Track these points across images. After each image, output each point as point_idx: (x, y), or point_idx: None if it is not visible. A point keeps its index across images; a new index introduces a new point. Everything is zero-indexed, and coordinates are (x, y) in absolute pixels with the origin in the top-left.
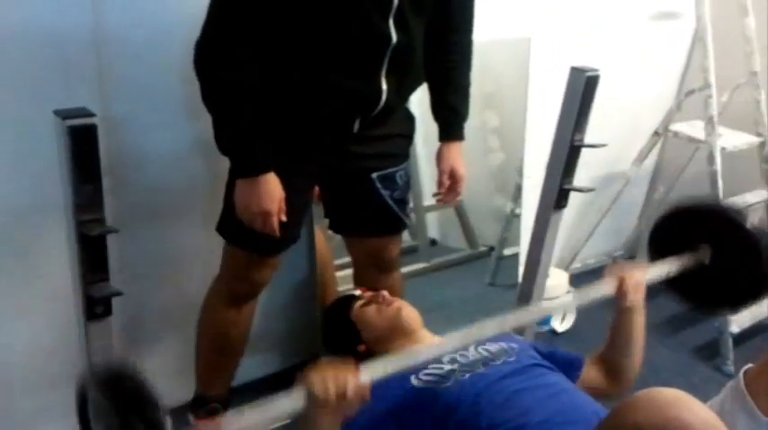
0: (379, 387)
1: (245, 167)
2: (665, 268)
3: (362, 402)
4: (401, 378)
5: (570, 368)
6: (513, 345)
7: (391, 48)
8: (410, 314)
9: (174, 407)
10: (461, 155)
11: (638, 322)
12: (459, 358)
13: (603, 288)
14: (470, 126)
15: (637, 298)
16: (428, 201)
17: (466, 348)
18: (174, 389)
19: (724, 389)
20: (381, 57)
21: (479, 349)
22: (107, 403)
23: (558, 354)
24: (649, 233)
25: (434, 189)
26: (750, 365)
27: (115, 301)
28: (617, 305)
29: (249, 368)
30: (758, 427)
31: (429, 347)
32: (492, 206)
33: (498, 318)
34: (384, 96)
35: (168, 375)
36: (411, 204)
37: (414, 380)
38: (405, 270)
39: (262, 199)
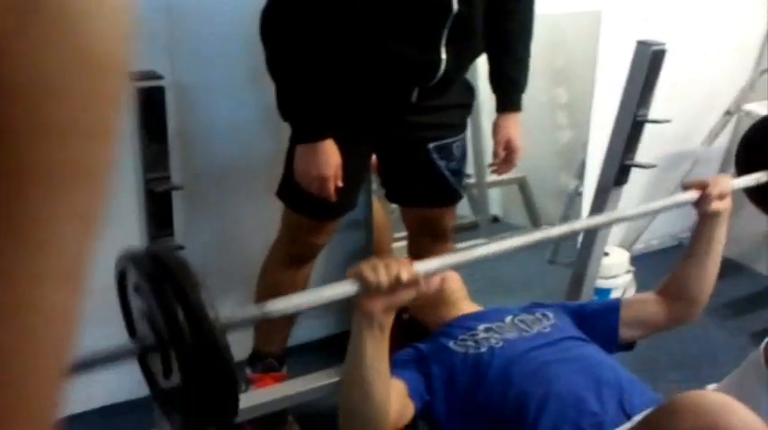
0: (420, 347)
1: (304, 133)
2: (754, 177)
3: (415, 291)
4: (439, 343)
5: (606, 314)
6: (549, 314)
7: (452, 17)
8: (454, 285)
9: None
10: (518, 126)
11: (719, 234)
12: (494, 327)
13: (685, 195)
14: (538, 102)
15: (721, 206)
16: (491, 176)
17: (503, 318)
18: (233, 344)
19: (744, 363)
20: (441, 26)
21: (515, 320)
22: (145, 283)
23: (588, 307)
24: (738, 146)
25: None
26: None
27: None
28: (700, 213)
29: (305, 330)
30: None
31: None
32: (557, 184)
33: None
34: (443, 66)
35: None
36: (473, 179)
37: (450, 344)
38: (465, 245)
39: (320, 164)
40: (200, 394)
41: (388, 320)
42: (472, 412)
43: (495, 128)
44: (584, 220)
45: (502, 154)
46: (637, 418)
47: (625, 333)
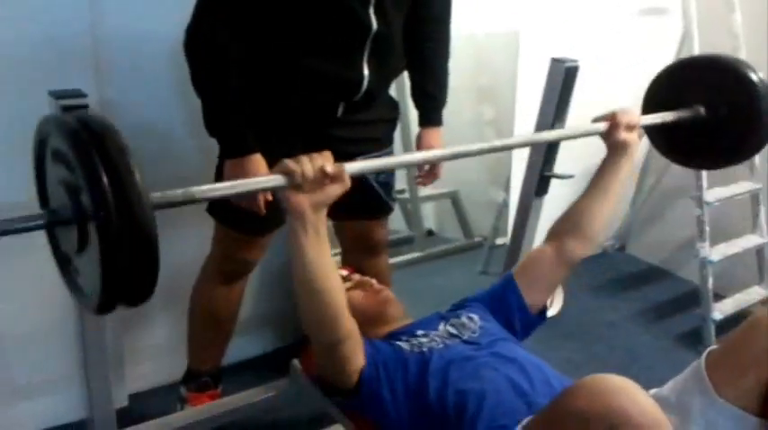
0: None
1: (231, 148)
2: (660, 116)
3: (342, 187)
4: (388, 343)
5: (506, 290)
6: (474, 317)
7: (372, 35)
8: (394, 308)
9: (168, 384)
10: (440, 139)
11: (626, 168)
12: (430, 334)
13: (596, 125)
14: (466, 119)
15: (629, 137)
16: (424, 191)
17: (436, 326)
18: (167, 364)
19: (689, 367)
20: (362, 44)
21: (447, 326)
22: (69, 149)
23: (492, 292)
24: (648, 87)
25: None
26: (714, 346)
27: None
28: (608, 144)
29: (241, 348)
30: (713, 408)
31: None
32: (487, 197)
33: None
34: (366, 82)
35: (162, 352)
36: (407, 194)
37: (398, 343)
38: (400, 259)
39: (247, 179)
40: (119, 271)
41: (321, 219)
42: (415, 409)
43: (419, 142)
44: (509, 139)
45: (426, 167)
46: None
47: (532, 298)
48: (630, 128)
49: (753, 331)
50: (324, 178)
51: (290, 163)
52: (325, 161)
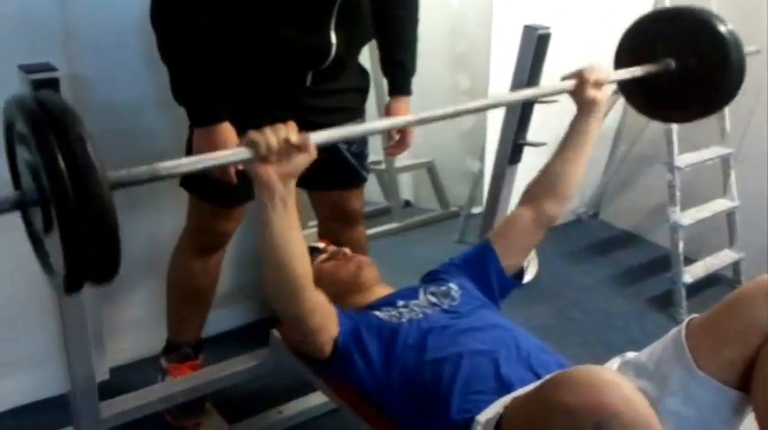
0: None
1: (200, 117)
2: (629, 71)
3: (308, 157)
4: (365, 314)
5: (483, 255)
6: (453, 286)
7: (339, 2)
8: (368, 272)
9: (148, 356)
10: (409, 108)
11: (594, 126)
12: (410, 304)
13: (564, 83)
14: (441, 88)
15: (598, 94)
16: (400, 162)
17: (416, 295)
18: (147, 337)
19: (667, 334)
20: (329, 12)
21: (427, 295)
22: (28, 132)
23: (468, 257)
24: (618, 43)
25: (407, 152)
26: (694, 316)
27: None
28: (577, 102)
29: (221, 319)
30: (693, 380)
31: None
32: (463, 167)
33: None
34: (333, 50)
35: (142, 324)
36: (383, 166)
37: (377, 314)
38: (377, 230)
39: (217, 147)
40: (80, 251)
41: (288, 189)
42: (394, 379)
43: (388, 111)
44: (476, 101)
45: (396, 136)
46: (546, 378)
47: (508, 261)
48: (598, 85)
49: (738, 305)
50: (289, 149)
51: (254, 135)
52: (290, 131)
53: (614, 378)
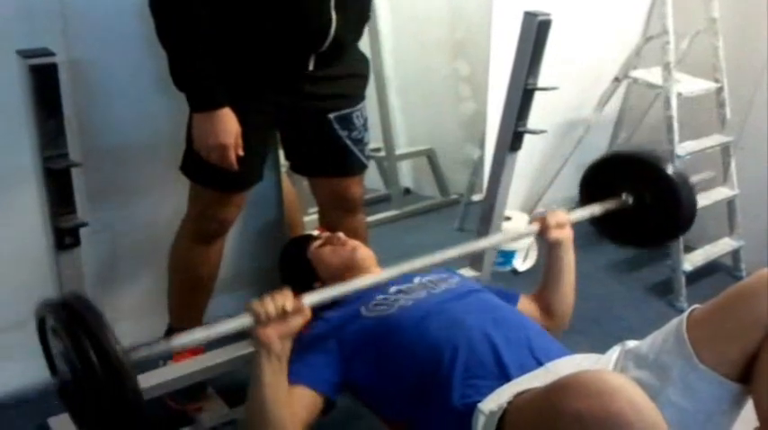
0: (330, 318)
1: (200, 102)
2: (588, 210)
3: (303, 318)
4: (351, 308)
5: (507, 301)
6: (454, 276)
7: None
8: (363, 253)
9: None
10: None
11: (566, 259)
12: (404, 289)
13: (530, 227)
14: (441, 75)
15: (561, 234)
16: (400, 149)
17: (411, 280)
18: (147, 323)
19: (669, 324)
20: None
21: (423, 280)
22: (59, 326)
23: (493, 290)
24: (580, 182)
25: (407, 140)
26: (696, 306)
27: (87, 237)
28: (545, 241)
29: (220, 307)
30: (693, 373)
31: (363, 278)
32: (463, 154)
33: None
34: (333, 29)
35: (142, 311)
36: (383, 153)
37: (362, 310)
38: (377, 217)
39: (217, 132)
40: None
41: (285, 348)
42: (390, 372)
43: None
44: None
45: None
46: (548, 365)
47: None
48: (560, 226)
49: (739, 299)
50: (285, 314)
51: (255, 304)
52: (285, 300)
53: (623, 384)
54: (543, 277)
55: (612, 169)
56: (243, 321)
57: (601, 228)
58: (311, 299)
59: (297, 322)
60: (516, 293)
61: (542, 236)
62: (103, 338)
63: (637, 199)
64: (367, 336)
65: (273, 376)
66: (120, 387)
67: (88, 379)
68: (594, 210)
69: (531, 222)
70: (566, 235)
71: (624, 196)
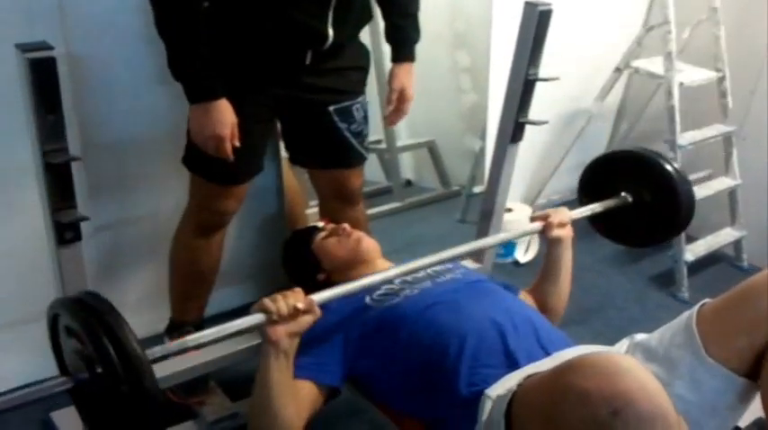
0: (335, 308)
1: (197, 93)
2: (589, 208)
3: (313, 317)
4: (355, 299)
5: (508, 287)
6: (458, 267)
7: None
8: (369, 245)
9: (151, 336)
10: (412, 76)
11: (565, 257)
12: (409, 279)
13: (533, 225)
14: (442, 67)
15: (562, 233)
16: (402, 141)
17: (416, 271)
18: (149, 317)
19: (678, 318)
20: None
21: (428, 270)
22: (77, 324)
23: (496, 282)
24: (579, 182)
25: (408, 132)
26: (707, 301)
27: (90, 231)
28: (546, 239)
29: (222, 299)
30: (701, 367)
31: (372, 275)
32: (464, 146)
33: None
34: (331, 34)
35: (144, 304)
36: (384, 145)
37: (367, 300)
38: (379, 209)
39: (214, 123)
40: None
41: (293, 346)
42: (397, 361)
43: (391, 77)
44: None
45: (395, 102)
46: (555, 355)
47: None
48: (562, 225)
49: (749, 295)
50: (296, 313)
51: (266, 302)
52: (297, 298)
53: (633, 365)
54: (541, 273)
55: (611, 168)
56: (254, 319)
57: (602, 229)
58: (321, 297)
59: (307, 321)
60: (516, 287)
61: (544, 234)
62: (124, 338)
63: (636, 197)
64: (373, 326)
65: (280, 374)
66: (140, 387)
67: (108, 378)
68: (595, 208)
69: (533, 220)
70: (567, 233)
71: (624, 194)
